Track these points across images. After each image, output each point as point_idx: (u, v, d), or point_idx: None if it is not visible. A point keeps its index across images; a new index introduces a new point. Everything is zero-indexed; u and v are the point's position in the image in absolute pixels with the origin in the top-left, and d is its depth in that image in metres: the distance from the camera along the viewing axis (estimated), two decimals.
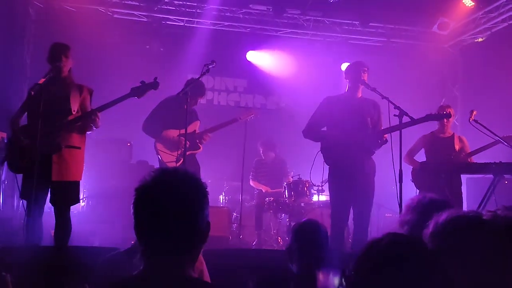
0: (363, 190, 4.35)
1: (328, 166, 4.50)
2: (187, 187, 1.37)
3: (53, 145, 3.73)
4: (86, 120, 3.88)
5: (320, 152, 4.51)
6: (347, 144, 4.30)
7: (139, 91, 3.96)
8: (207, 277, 2.27)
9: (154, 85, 3.99)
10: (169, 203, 1.32)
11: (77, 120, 3.86)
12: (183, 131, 4.64)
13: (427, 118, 4.29)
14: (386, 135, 4.36)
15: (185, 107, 4.38)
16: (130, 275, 1.35)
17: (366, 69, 4.50)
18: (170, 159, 4.92)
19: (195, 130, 5.10)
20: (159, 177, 1.37)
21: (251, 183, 6.86)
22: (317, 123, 4.51)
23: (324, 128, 4.55)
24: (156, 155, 5.04)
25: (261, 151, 6.93)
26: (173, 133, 4.94)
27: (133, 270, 1.36)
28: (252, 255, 4.29)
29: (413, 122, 4.13)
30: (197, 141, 5.06)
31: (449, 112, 4.92)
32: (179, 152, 4.87)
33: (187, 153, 4.91)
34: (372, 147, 4.42)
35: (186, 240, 1.34)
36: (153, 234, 1.33)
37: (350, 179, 4.30)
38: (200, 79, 4.68)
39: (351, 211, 4.46)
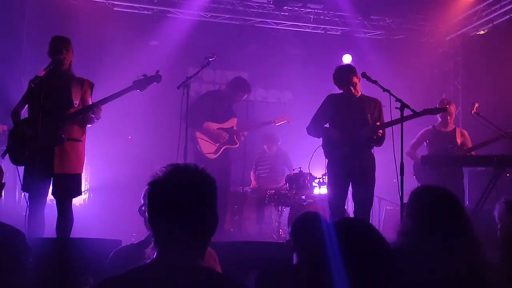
0: (362, 184, 4.44)
1: (327, 160, 4.64)
2: (198, 182, 1.44)
3: (56, 138, 3.73)
4: (88, 113, 3.88)
5: (321, 147, 4.67)
6: (347, 140, 4.43)
7: (141, 84, 3.94)
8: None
9: (157, 78, 3.98)
10: (180, 197, 1.40)
11: (79, 113, 3.86)
12: (222, 125, 5.19)
13: (424, 112, 4.29)
14: (381, 131, 4.43)
15: (226, 104, 5.20)
16: (142, 264, 1.41)
17: (353, 75, 4.49)
18: (210, 150, 5.19)
19: (233, 126, 5.37)
20: (171, 173, 1.44)
21: (251, 175, 6.95)
22: (320, 120, 4.67)
23: (327, 125, 4.67)
24: (195, 144, 5.17)
25: (265, 146, 6.99)
26: (214, 125, 5.20)
27: (145, 260, 1.41)
28: (253, 248, 4.30)
29: (409, 117, 4.19)
30: (235, 137, 5.33)
31: (446, 106, 4.86)
32: (218, 145, 5.19)
33: (225, 147, 5.31)
34: (370, 142, 4.50)
35: (196, 232, 1.41)
36: (166, 226, 1.40)
37: (348, 173, 4.43)
38: (201, 71, 4.71)
39: (352, 205, 4.55)
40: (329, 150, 4.56)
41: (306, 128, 4.71)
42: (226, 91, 5.46)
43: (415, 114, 4.14)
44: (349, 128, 4.46)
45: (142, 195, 2.25)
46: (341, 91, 4.66)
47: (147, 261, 1.42)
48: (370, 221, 4.80)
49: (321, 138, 4.66)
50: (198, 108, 5.22)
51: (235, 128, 5.36)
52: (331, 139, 4.50)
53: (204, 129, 5.16)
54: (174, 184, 1.41)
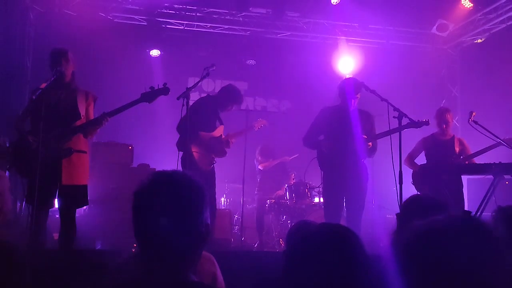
0: (354, 193, 4.56)
1: (322, 172, 4.79)
2: (185, 190, 1.34)
3: (64, 150, 3.75)
4: (96, 125, 3.89)
5: (316, 158, 4.80)
6: (339, 152, 4.56)
7: (149, 96, 3.93)
8: (220, 280, 2.19)
9: (164, 91, 3.95)
10: (166, 207, 1.30)
11: (88, 125, 3.88)
12: (213, 134, 4.91)
13: (408, 126, 4.32)
14: (370, 143, 4.56)
15: (216, 111, 4.88)
16: (129, 280, 1.34)
17: (359, 91, 4.61)
18: (204, 162, 4.88)
19: (221, 135, 5.07)
20: (156, 181, 1.35)
21: (260, 167, 6.92)
22: (314, 133, 4.81)
23: (322, 137, 4.78)
24: (189, 157, 4.76)
25: (259, 158, 7.00)
26: (206, 136, 4.91)
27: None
28: (252, 258, 4.31)
29: (391, 130, 4.28)
30: (224, 146, 5.05)
31: (428, 120, 4.76)
32: (211, 156, 4.91)
33: (216, 158, 4.99)
34: (362, 154, 4.60)
35: (185, 243, 1.32)
36: (152, 238, 1.30)
37: (341, 183, 4.54)
38: (201, 81, 4.72)
39: (345, 214, 4.68)
40: (323, 161, 4.70)
41: (302, 139, 4.85)
42: (218, 98, 5.14)
43: (396, 129, 4.20)
44: (342, 140, 4.56)
45: None
46: (335, 103, 4.78)
47: (134, 276, 1.34)
48: (369, 230, 4.83)
49: (316, 150, 4.78)
50: (192, 119, 4.85)
51: (223, 136, 5.12)
52: (325, 151, 4.63)
53: (198, 141, 4.89)
54: (159, 192, 1.32)
